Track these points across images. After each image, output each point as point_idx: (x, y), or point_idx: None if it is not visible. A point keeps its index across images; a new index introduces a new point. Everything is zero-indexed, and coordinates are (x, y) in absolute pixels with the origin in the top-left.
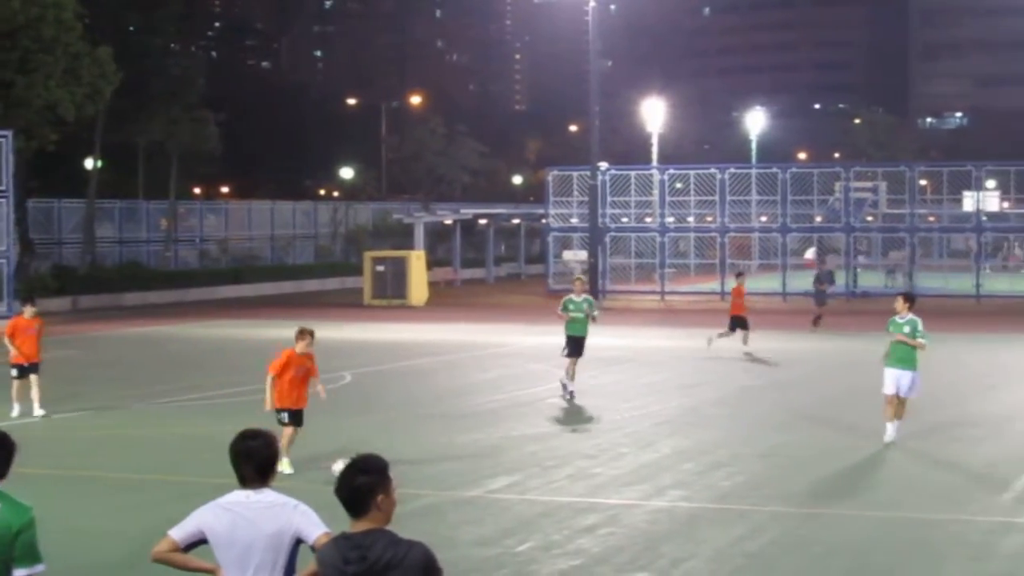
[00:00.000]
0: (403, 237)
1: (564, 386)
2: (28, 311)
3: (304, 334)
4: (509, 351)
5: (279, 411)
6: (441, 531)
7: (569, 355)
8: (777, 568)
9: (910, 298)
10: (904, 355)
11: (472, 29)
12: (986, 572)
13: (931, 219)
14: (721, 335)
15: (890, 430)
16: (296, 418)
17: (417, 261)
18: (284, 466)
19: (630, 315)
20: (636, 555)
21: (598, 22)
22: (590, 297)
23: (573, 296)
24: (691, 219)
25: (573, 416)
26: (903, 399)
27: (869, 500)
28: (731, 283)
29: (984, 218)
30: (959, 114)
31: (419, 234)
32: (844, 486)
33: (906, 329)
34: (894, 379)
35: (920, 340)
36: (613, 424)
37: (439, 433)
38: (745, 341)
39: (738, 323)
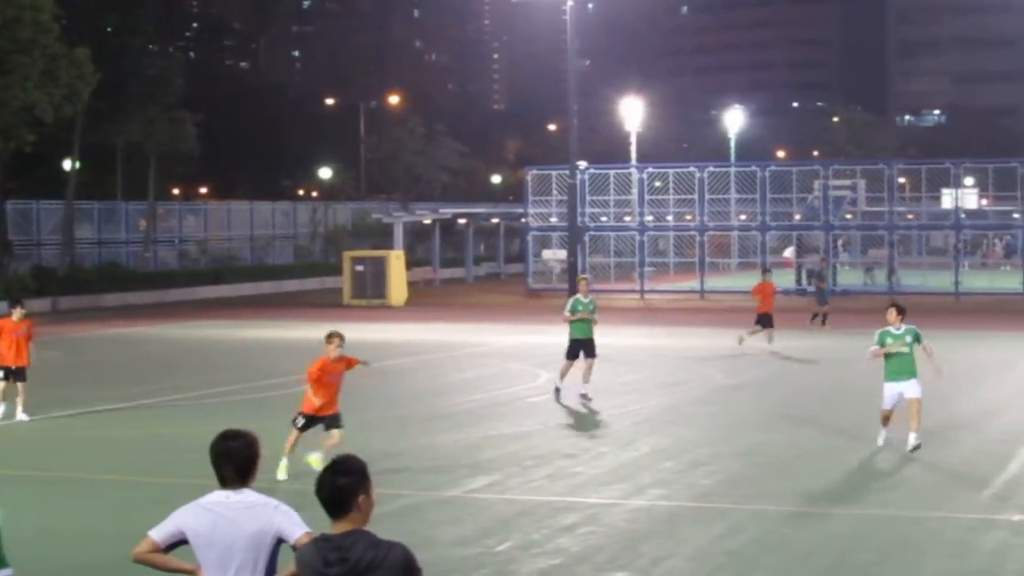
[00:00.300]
0: (382, 237)
1: (584, 395)
2: (16, 313)
3: (333, 338)
4: (488, 351)
5: (302, 414)
6: (421, 531)
7: (584, 357)
8: (758, 566)
9: (902, 310)
10: (903, 367)
11: (450, 29)
12: (966, 569)
13: (910, 216)
14: (770, 339)
15: (909, 437)
16: (334, 421)
17: (396, 261)
18: (280, 470)
19: (610, 314)
20: (616, 554)
21: (576, 21)
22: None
23: (580, 296)
24: (670, 218)
25: (552, 415)
26: (912, 400)
27: (850, 498)
28: (756, 280)
29: (963, 215)
30: (937, 111)
31: (398, 234)
32: (825, 484)
33: (907, 339)
34: (894, 394)
35: (925, 344)
36: (592, 423)
37: (418, 433)
38: (750, 333)
39: (763, 320)
